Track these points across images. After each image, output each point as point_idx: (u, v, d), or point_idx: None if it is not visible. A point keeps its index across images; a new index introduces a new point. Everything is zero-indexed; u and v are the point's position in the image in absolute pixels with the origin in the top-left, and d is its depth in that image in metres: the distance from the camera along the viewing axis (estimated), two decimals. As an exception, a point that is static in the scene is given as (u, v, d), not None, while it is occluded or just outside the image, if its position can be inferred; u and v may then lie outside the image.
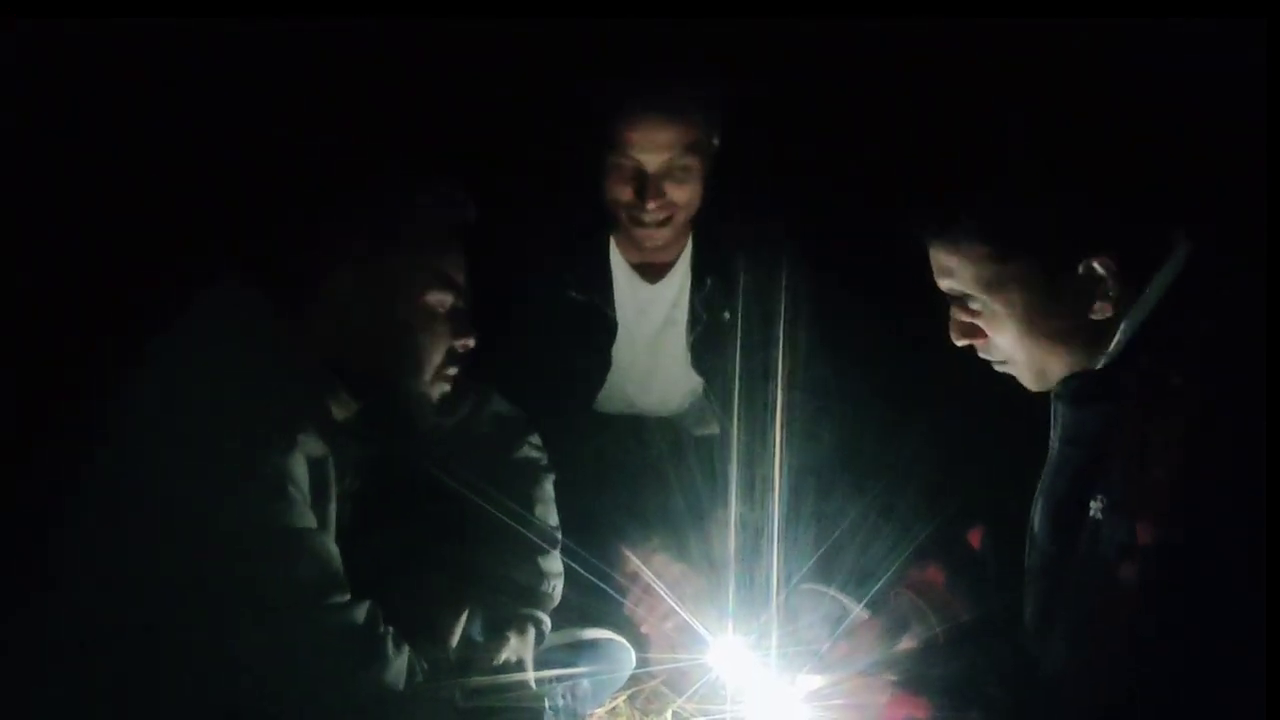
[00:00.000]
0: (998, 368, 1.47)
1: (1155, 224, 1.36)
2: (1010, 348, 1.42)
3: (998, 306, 1.39)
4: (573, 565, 1.74)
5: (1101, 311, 1.34)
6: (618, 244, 2.10)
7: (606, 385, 2.17)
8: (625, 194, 1.94)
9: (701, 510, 2.01)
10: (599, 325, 2.11)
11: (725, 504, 1.95)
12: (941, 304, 1.49)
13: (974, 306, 1.42)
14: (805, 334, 2.08)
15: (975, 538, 1.70)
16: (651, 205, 1.93)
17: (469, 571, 1.58)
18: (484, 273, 1.58)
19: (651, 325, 2.16)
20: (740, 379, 2.04)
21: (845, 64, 2.55)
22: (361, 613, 1.34)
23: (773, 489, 1.88)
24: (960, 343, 1.48)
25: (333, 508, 1.43)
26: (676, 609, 1.82)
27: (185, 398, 1.33)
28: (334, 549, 1.37)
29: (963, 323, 1.46)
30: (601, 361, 2.15)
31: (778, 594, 1.77)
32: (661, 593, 1.83)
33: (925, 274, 1.46)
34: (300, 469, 1.35)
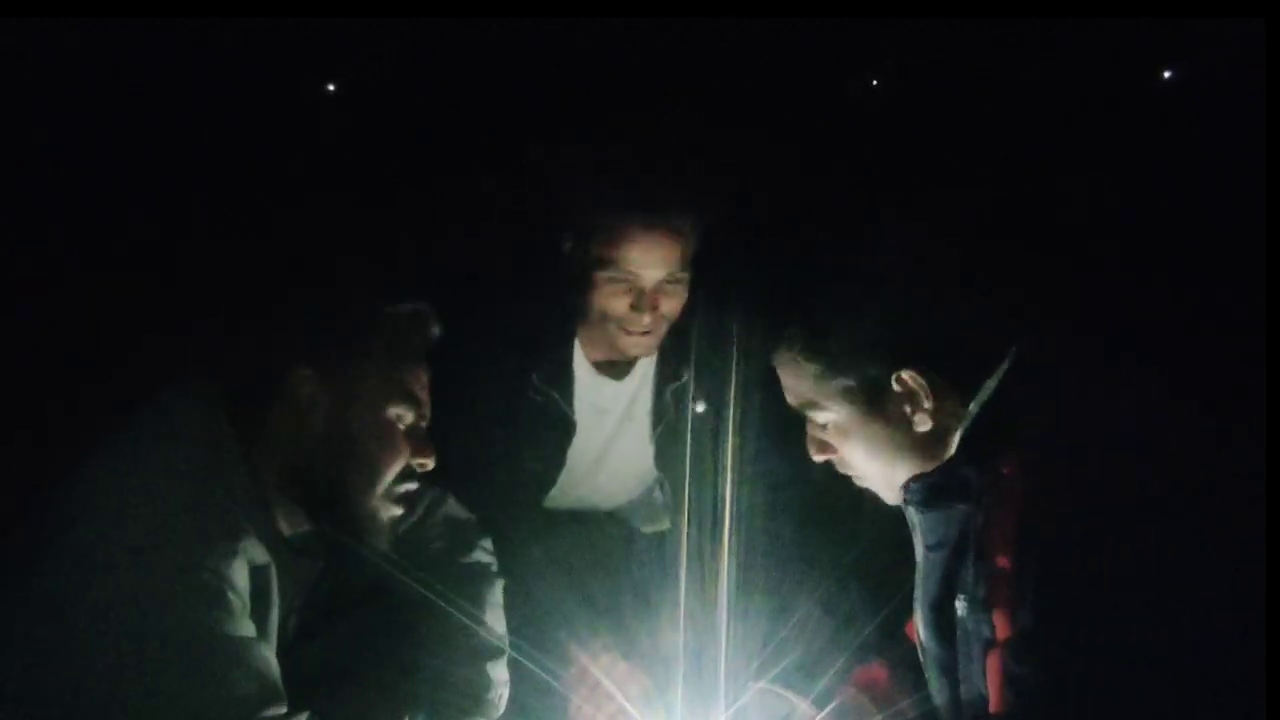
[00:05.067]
0: (858, 483, 1.54)
1: (962, 337, 1.42)
2: (859, 462, 1.50)
3: (836, 422, 1.47)
4: (518, 662, 1.71)
5: (921, 423, 1.41)
6: (582, 343, 2.11)
7: (557, 483, 2.16)
8: (619, 308, 1.94)
9: (650, 607, 1.98)
10: (557, 425, 2.11)
11: (674, 601, 1.92)
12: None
13: (820, 421, 1.49)
14: (757, 425, 2.08)
15: (912, 630, 1.69)
16: (647, 320, 1.94)
17: (413, 678, 1.54)
18: (439, 368, 1.59)
19: (609, 423, 2.16)
20: (691, 473, 2.04)
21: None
22: None
23: (722, 586, 1.86)
24: (817, 458, 1.55)
25: (274, 616, 1.40)
26: (625, 709, 1.79)
27: (130, 497, 1.31)
28: (271, 659, 1.34)
29: (814, 439, 1.54)
30: (556, 460, 2.14)
31: (727, 694, 1.74)
32: (609, 692, 1.80)
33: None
34: (241, 576, 1.33)
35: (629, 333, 1.97)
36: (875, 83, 9.69)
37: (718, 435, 2.04)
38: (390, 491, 1.51)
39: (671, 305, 1.97)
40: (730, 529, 1.95)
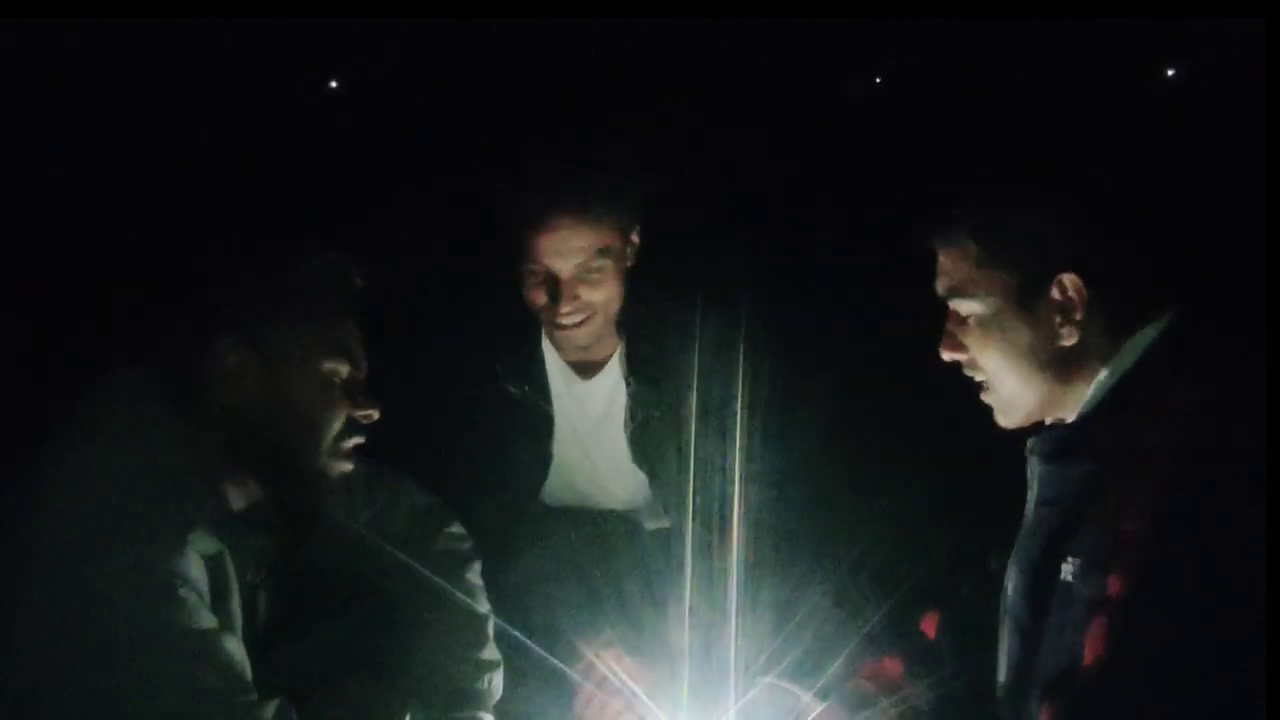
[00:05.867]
0: (982, 396, 1.49)
1: (1136, 260, 1.37)
2: (991, 367, 1.44)
3: (982, 312, 1.41)
4: (526, 657, 1.72)
5: (1068, 337, 1.36)
6: (550, 341, 2.11)
7: (553, 478, 2.17)
8: (539, 299, 1.94)
9: (656, 604, 1.98)
10: (536, 418, 2.11)
11: (680, 597, 1.93)
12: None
13: (963, 311, 1.44)
14: (761, 421, 2.08)
15: (930, 626, 1.70)
16: (565, 310, 1.93)
17: (400, 672, 1.55)
18: (418, 364, 1.57)
19: (590, 419, 2.16)
20: (694, 471, 2.04)
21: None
22: (270, 711, 1.30)
23: (729, 580, 1.87)
24: (946, 355, 1.49)
25: (236, 604, 1.40)
26: (631, 705, 1.79)
27: (71, 499, 1.30)
28: (237, 648, 1.33)
29: (951, 333, 1.48)
30: (541, 455, 2.14)
31: (735, 689, 1.75)
32: (616, 688, 1.81)
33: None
34: (195, 567, 1.32)
35: (559, 326, 1.97)
36: (878, 80, 9.68)
37: (724, 431, 2.04)
38: (336, 447, 1.50)
39: (597, 295, 1.95)
40: (736, 524, 1.95)
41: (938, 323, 1.51)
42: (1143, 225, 1.40)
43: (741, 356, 2.07)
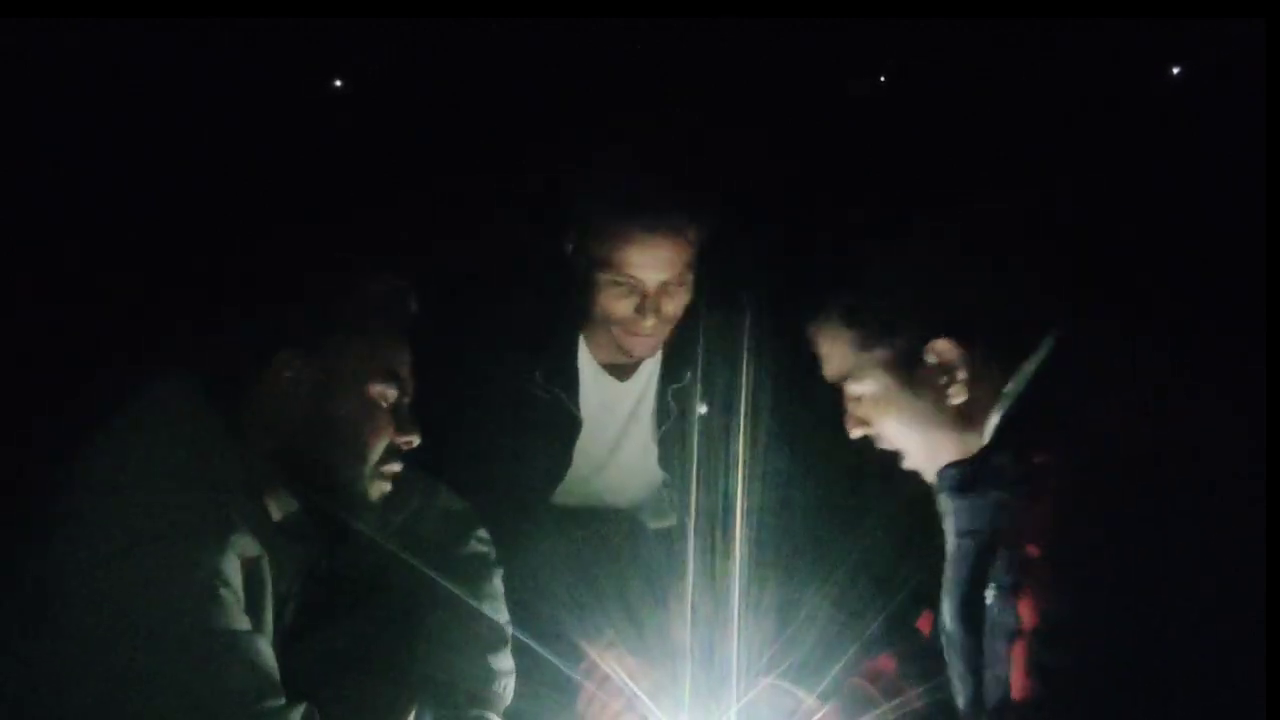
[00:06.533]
0: (902, 464, 1.54)
1: (1004, 313, 1.42)
2: (894, 435, 1.50)
3: (872, 393, 1.46)
4: (529, 655, 1.73)
5: (956, 395, 1.41)
6: (588, 344, 2.11)
7: (568, 479, 2.17)
8: (622, 310, 1.94)
9: (658, 603, 1.99)
10: (564, 423, 2.11)
11: (682, 597, 1.93)
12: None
13: (855, 393, 1.49)
14: (766, 423, 2.09)
15: (926, 626, 1.70)
16: (649, 322, 1.94)
17: (416, 672, 1.56)
18: (447, 366, 1.58)
19: (616, 420, 2.17)
20: (699, 471, 2.05)
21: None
22: (297, 716, 1.32)
23: (732, 581, 1.87)
24: (854, 433, 1.55)
25: (269, 609, 1.41)
26: (632, 705, 1.80)
27: (118, 496, 1.32)
28: (269, 652, 1.35)
29: (850, 413, 1.53)
30: (563, 457, 2.15)
31: (737, 689, 1.76)
32: (618, 688, 1.81)
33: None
34: (234, 570, 1.34)
35: (632, 334, 1.98)
36: (883, 79, 9.69)
37: (727, 432, 2.05)
38: (377, 470, 1.51)
39: (674, 307, 1.97)
40: (739, 524, 1.96)
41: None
42: (1007, 258, 1.46)
43: (745, 357, 2.08)
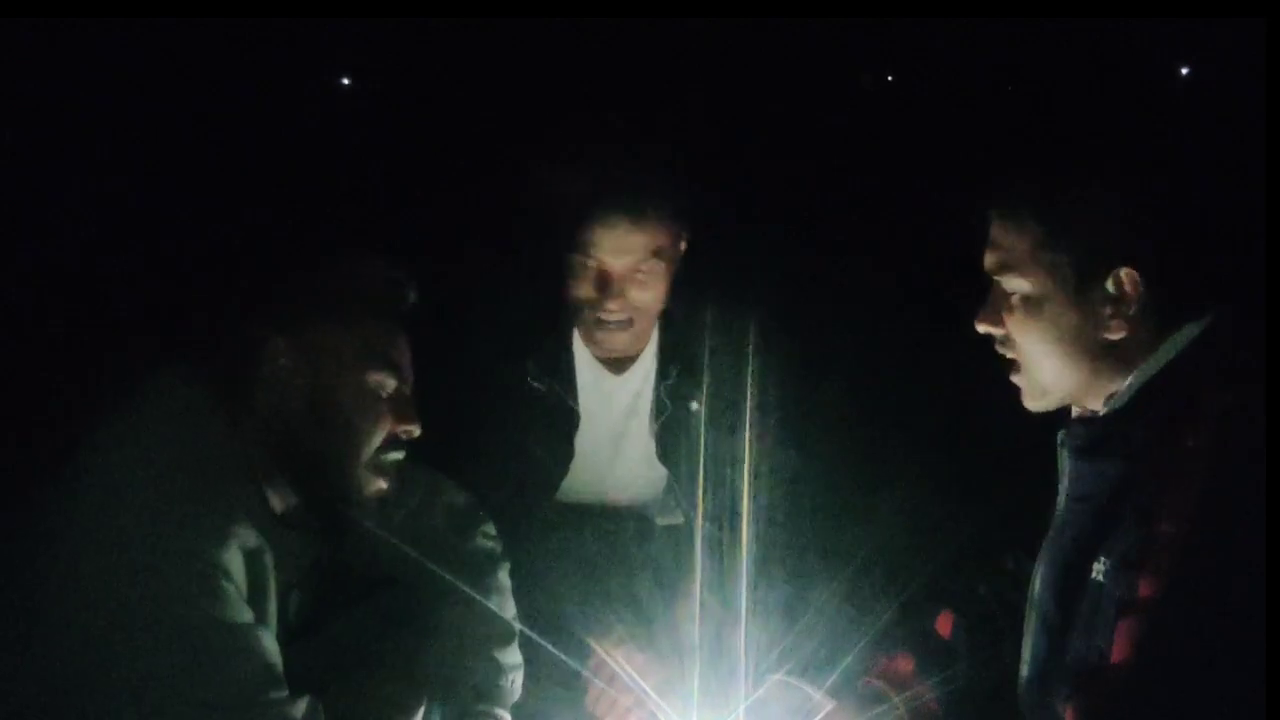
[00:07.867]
0: (1012, 376, 1.46)
1: (1197, 263, 1.35)
2: (1029, 349, 1.41)
3: (1031, 293, 1.37)
4: (537, 652, 1.72)
5: (1115, 331, 1.34)
6: (582, 336, 2.10)
7: (570, 474, 2.16)
8: (586, 292, 1.93)
9: (668, 599, 1.98)
10: (561, 415, 2.10)
11: (690, 594, 1.93)
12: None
13: (1009, 289, 1.40)
14: (773, 419, 2.08)
15: (945, 626, 1.69)
16: (612, 307, 1.93)
17: (423, 668, 1.55)
18: (443, 360, 1.57)
19: (616, 414, 2.16)
20: (706, 466, 2.04)
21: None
22: (300, 709, 1.31)
23: (740, 577, 1.87)
24: (982, 328, 1.46)
25: (272, 601, 1.40)
26: (641, 701, 1.79)
27: (118, 491, 1.31)
28: (272, 644, 1.34)
29: (993, 308, 1.43)
30: (565, 451, 2.13)
31: (746, 686, 1.75)
32: (626, 684, 1.81)
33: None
34: (235, 562, 1.33)
35: (602, 323, 1.96)
36: (890, 78, 9.71)
37: (734, 429, 2.04)
38: (375, 461, 1.49)
39: (644, 297, 1.95)
40: (747, 521, 1.95)
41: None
42: (1199, 225, 1.37)
43: (753, 354, 2.07)
